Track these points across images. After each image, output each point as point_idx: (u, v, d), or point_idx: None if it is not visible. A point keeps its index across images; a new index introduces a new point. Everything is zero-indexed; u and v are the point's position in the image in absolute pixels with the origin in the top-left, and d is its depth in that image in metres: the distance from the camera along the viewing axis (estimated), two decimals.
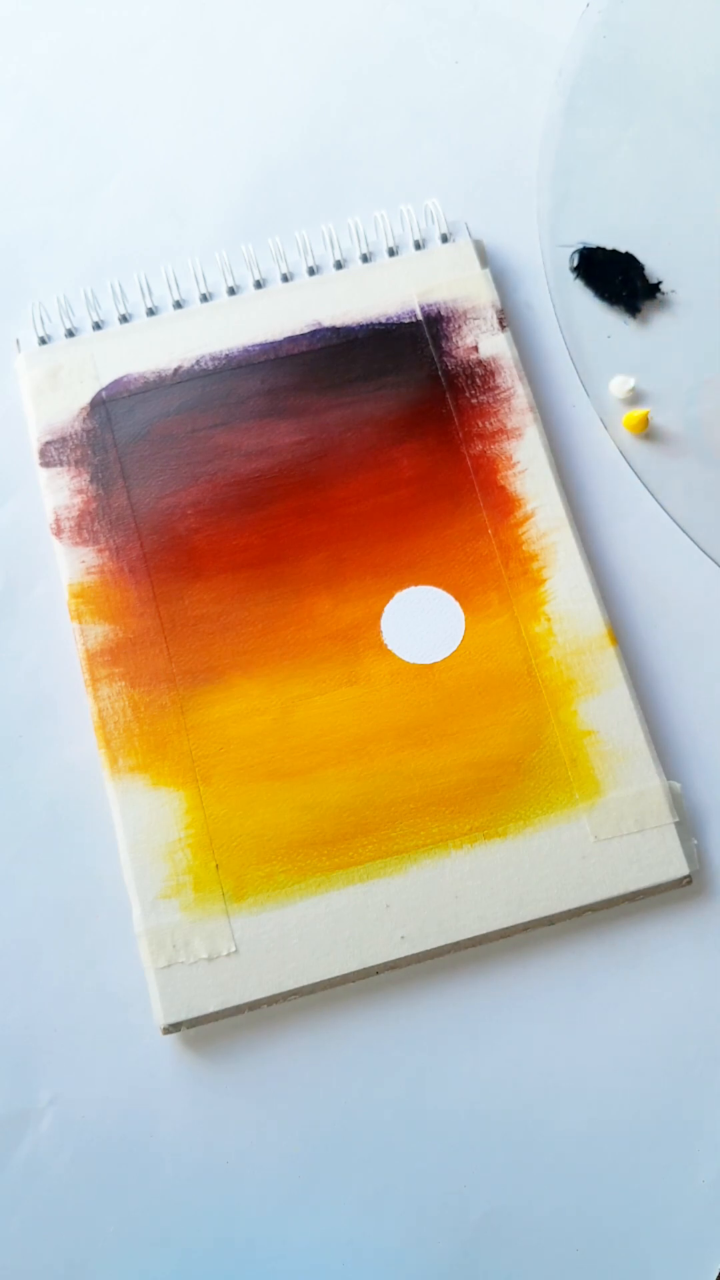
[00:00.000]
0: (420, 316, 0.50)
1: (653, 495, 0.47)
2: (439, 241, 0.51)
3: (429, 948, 0.43)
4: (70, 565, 0.47)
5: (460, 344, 0.49)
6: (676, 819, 0.44)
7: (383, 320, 0.50)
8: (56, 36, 0.56)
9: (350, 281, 0.50)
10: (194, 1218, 0.42)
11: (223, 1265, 0.41)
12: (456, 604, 0.46)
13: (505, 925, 0.43)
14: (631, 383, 0.48)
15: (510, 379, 0.49)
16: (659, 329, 0.50)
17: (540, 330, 0.51)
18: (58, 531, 0.47)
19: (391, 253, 0.51)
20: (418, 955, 0.43)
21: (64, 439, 0.48)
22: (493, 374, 0.49)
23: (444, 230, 0.51)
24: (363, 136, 0.54)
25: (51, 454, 0.48)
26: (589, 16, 0.53)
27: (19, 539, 0.49)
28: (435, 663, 0.46)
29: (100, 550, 0.47)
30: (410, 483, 0.48)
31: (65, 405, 0.49)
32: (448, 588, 0.46)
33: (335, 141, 0.54)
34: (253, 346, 0.50)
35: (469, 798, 0.44)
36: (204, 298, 0.51)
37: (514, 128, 0.53)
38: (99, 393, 0.49)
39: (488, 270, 0.50)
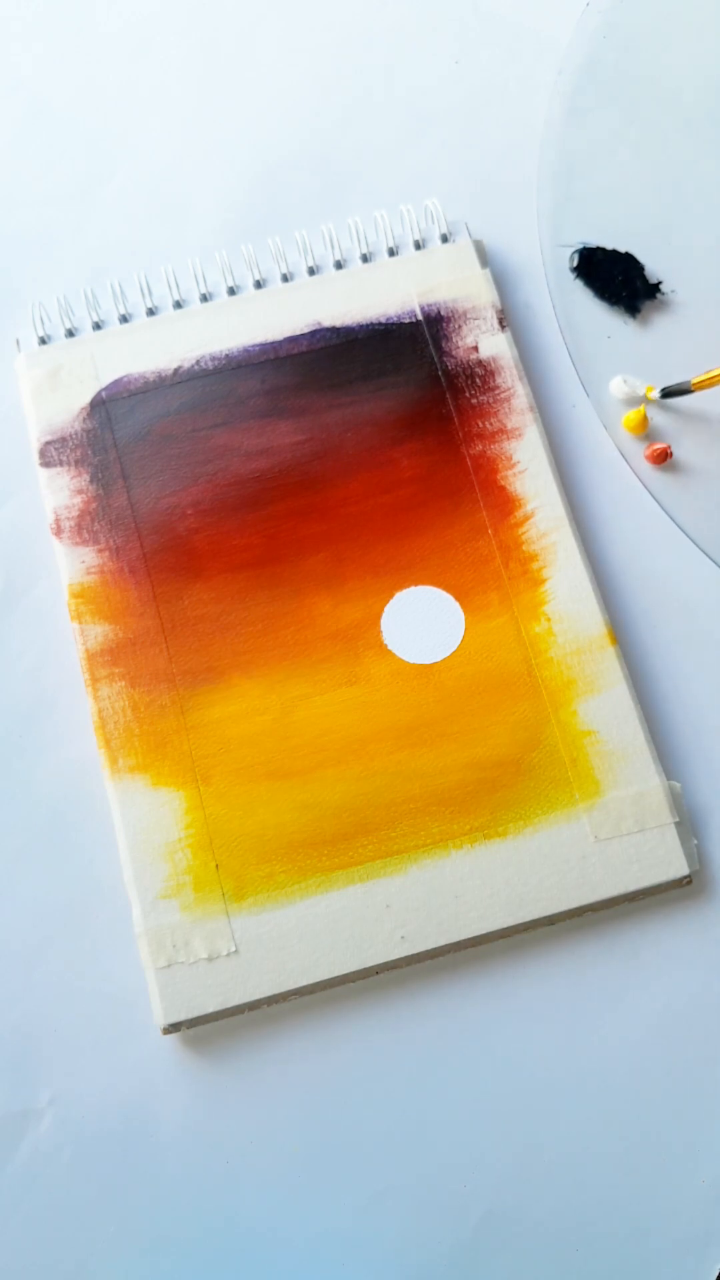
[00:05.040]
0: (420, 316, 0.50)
1: (653, 496, 0.47)
2: (439, 241, 0.51)
3: (429, 948, 0.43)
4: (70, 565, 0.47)
5: (460, 344, 0.49)
6: (676, 819, 0.44)
7: (383, 320, 0.50)
8: (57, 36, 0.56)
9: (350, 281, 0.50)
10: (194, 1217, 0.42)
11: (223, 1265, 0.41)
12: (456, 604, 0.46)
13: (505, 925, 0.43)
14: (632, 383, 0.48)
15: (510, 379, 0.49)
16: (659, 329, 0.50)
17: (540, 330, 0.51)
18: (58, 531, 0.48)
19: (391, 253, 0.51)
20: (418, 955, 0.43)
21: (64, 439, 0.48)
22: (493, 374, 0.49)
23: (444, 230, 0.51)
24: (363, 136, 0.54)
25: (51, 454, 0.48)
26: (589, 16, 0.53)
27: (19, 539, 0.49)
28: (435, 663, 0.46)
29: (100, 550, 0.47)
30: (410, 483, 0.48)
31: (65, 405, 0.49)
32: (448, 588, 0.46)
33: (335, 141, 0.54)
34: (253, 346, 0.50)
35: (469, 798, 0.44)
36: (204, 298, 0.51)
37: (514, 128, 0.53)
38: (99, 393, 0.49)
39: (488, 270, 0.50)
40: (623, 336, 0.50)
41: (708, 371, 0.47)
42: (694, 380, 0.47)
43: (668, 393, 0.48)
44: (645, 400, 0.48)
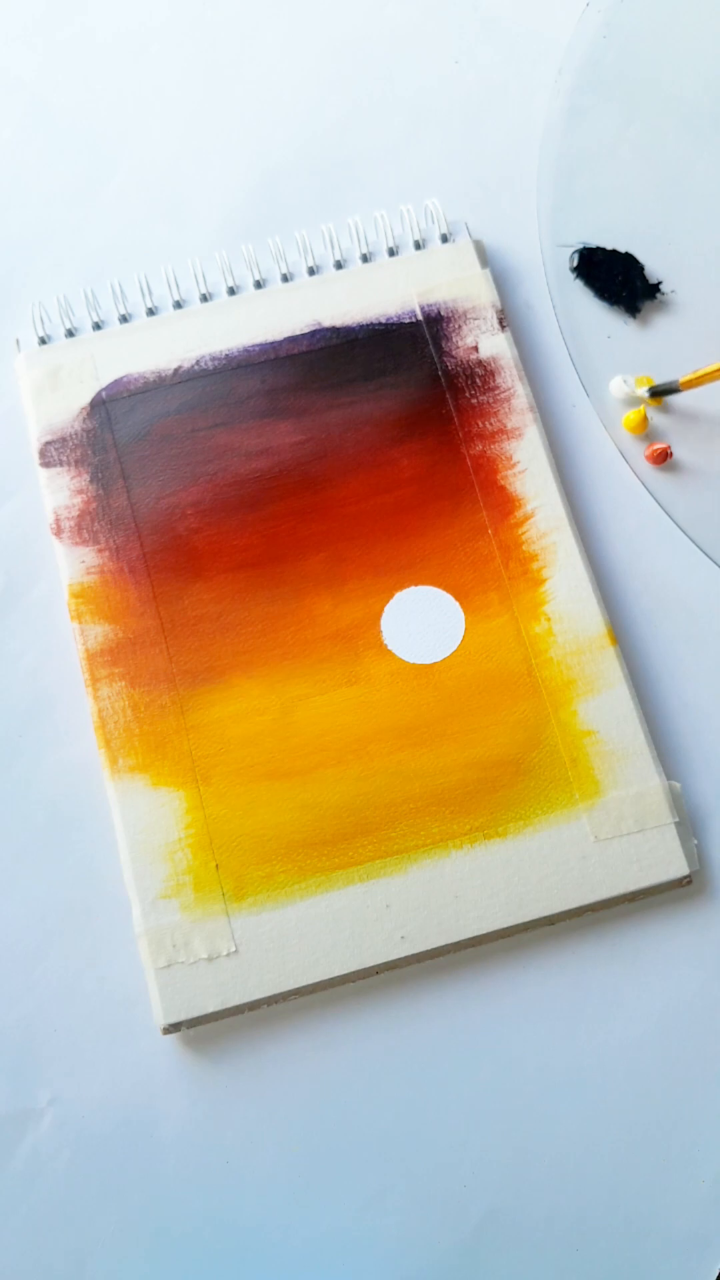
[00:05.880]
0: (420, 316, 0.50)
1: (652, 495, 0.47)
2: (439, 241, 0.51)
3: (429, 948, 0.43)
4: (70, 565, 0.47)
5: (460, 344, 0.49)
6: (676, 819, 0.44)
7: (383, 320, 0.50)
8: (57, 37, 0.56)
9: (350, 281, 0.50)
10: (194, 1217, 0.42)
11: (222, 1264, 0.41)
12: (456, 604, 0.46)
13: (505, 925, 0.43)
14: (632, 383, 0.48)
15: (510, 379, 0.49)
16: (659, 329, 0.50)
17: (540, 330, 0.51)
18: (58, 531, 0.48)
19: (391, 253, 0.51)
20: (418, 955, 0.43)
21: (64, 439, 0.48)
22: (493, 374, 0.49)
23: (444, 230, 0.51)
24: (363, 136, 0.54)
25: (51, 454, 0.48)
26: (589, 16, 0.53)
27: (19, 539, 0.49)
28: (435, 663, 0.46)
29: (100, 550, 0.47)
30: (410, 483, 0.48)
31: (65, 405, 0.49)
32: (448, 588, 0.46)
33: (335, 141, 0.54)
34: (253, 346, 0.50)
35: (469, 798, 0.44)
36: (204, 298, 0.51)
37: (514, 128, 0.53)
38: (99, 393, 0.49)
39: (488, 270, 0.50)
40: (623, 336, 0.50)
41: (695, 371, 0.47)
42: (682, 380, 0.47)
43: (656, 392, 0.48)
44: (638, 392, 0.48)
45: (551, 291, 0.50)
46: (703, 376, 0.46)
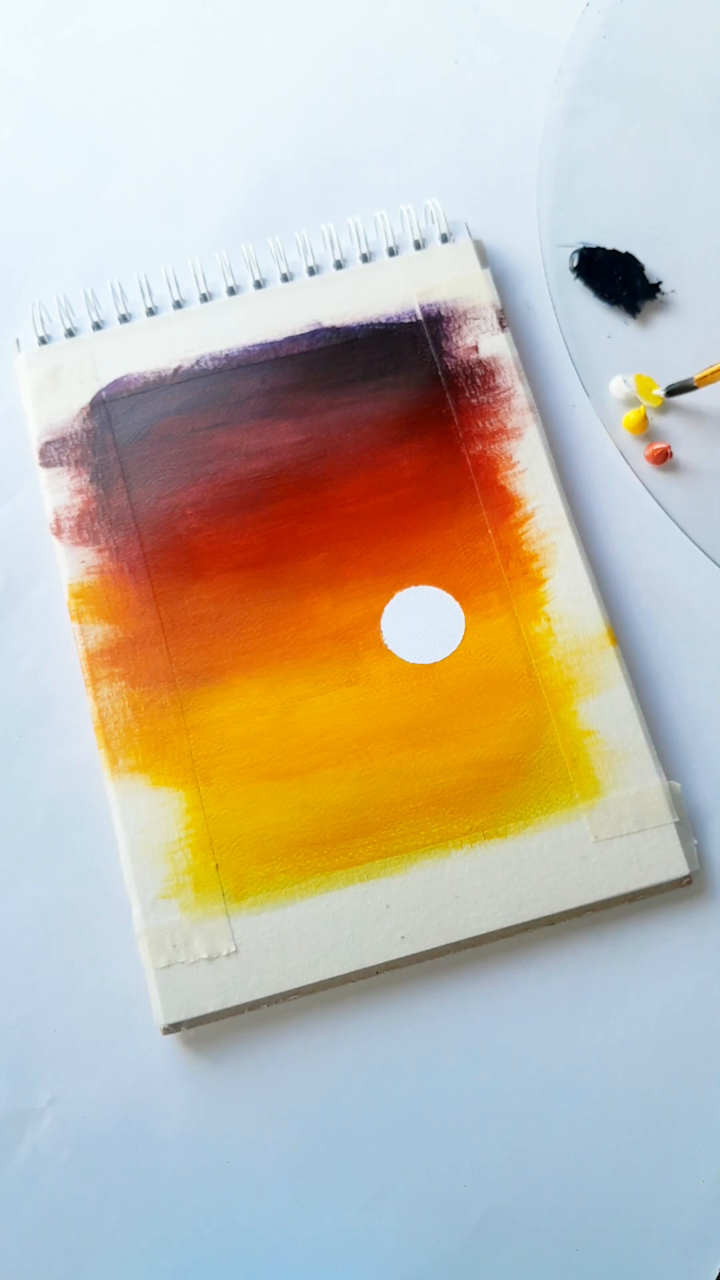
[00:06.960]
0: (420, 316, 0.50)
1: (652, 495, 0.47)
2: (439, 241, 0.51)
3: (429, 948, 0.43)
4: (70, 565, 0.47)
5: (460, 344, 0.49)
6: (676, 819, 0.44)
7: (383, 320, 0.50)
8: (57, 37, 0.56)
9: (350, 281, 0.50)
10: (194, 1217, 0.42)
11: (222, 1265, 0.41)
12: (456, 604, 0.46)
13: (505, 925, 0.43)
14: (632, 383, 0.48)
15: (510, 379, 0.49)
16: (659, 329, 0.50)
17: (540, 330, 0.51)
18: (58, 531, 0.48)
19: (391, 253, 0.51)
20: (418, 955, 0.43)
21: (64, 439, 0.48)
22: (493, 374, 0.49)
23: (444, 230, 0.51)
24: (363, 136, 0.54)
25: (51, 454, 0.48)
26: (589, 16, 0.53)
27: (19, 539, 0.49)
28: (435, 663, 0.46)
29: (100, 550, 0.47)
30: (410, 483, 0.48)
31: (65, 405, 0.49)
32: (448, 588, 0.46)
33: (335, 141, 0.54)
34: (253, 346, 0.50)
35: (469, 798, 0.44)
36: (204, 298, 0.51)
37: (514, 128, 0.53)
38: (99, 393, 0.49)
39: (488, 270, 0.50)
40: (623, 336, 0.50)
41: (710, 366, 0.47)
42: (697, 376, 0.47)
43: (672, 390, 0.48)
44: (655, 391, 0.48)
45: (551, 291, 0.50)
46: (719, 372, 0.46)
